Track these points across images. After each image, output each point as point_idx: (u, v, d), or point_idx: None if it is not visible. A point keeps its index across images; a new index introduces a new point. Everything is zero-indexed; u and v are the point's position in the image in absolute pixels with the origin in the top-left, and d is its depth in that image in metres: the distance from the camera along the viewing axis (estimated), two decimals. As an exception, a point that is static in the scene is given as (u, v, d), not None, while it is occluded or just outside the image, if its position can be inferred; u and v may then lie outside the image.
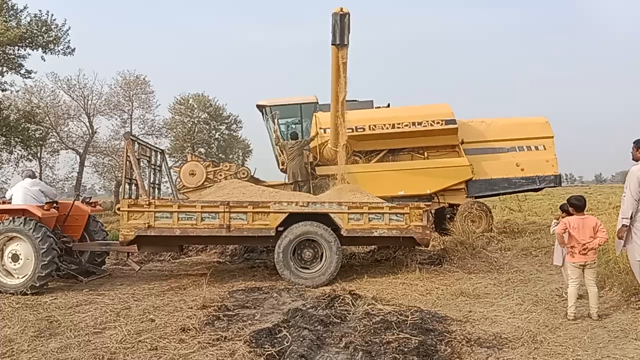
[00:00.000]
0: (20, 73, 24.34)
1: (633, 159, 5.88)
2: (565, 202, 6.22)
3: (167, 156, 11.82)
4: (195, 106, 40.82)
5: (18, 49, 23.83)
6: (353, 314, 5.89)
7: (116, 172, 32.72)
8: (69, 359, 4.54)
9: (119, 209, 7.99)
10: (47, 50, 24.73)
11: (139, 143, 9.42)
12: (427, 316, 5.70)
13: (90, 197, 9.51)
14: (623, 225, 5.73)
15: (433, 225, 11.35)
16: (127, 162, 8.69)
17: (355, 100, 13.12)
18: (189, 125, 39.96)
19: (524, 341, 4.86)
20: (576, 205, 5.83)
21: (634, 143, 5.88)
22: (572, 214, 5.95)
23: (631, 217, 5.68)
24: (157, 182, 10.09)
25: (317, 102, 13.77)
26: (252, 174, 12.59)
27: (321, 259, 8.01)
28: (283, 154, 12.96)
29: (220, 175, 12.24)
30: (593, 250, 5.63)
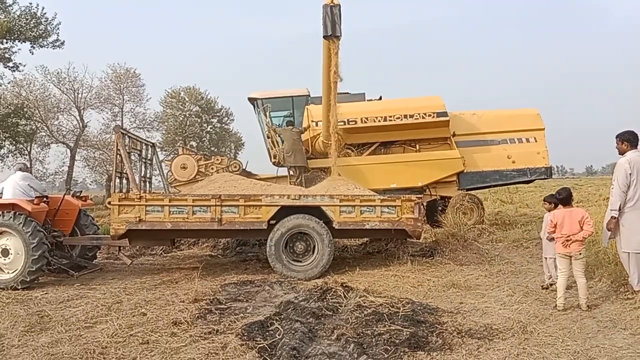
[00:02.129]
0: (8, 66, 24.10)
1: (619, 153, 5.93)
2: (549, 194, 6.29)
3: (158, 149, 11.76)
4: (187, 99, 40.63)
5: (6, 42, 23.56)
6: (345, 306, 5.91)
7: (107, 166, 32.54)
8: (60, 354, 4.52)
9: (109, 202, 7.94)
10: (36, 44, 24.49)
11: (129, 136, 9.36)
12: (419, 308, 5.73)
13: (81, 191, 9.45)
14: (612, 217, 5.78)
15: (425, 218, 11.38)
16: (118, 155, 8.63)
17: (347, 93, 13.10)
18: (181, 119, 39.77)
19: (515, 332, 4.90)
20: (560, 199, 5.89)
21: (617, 137, 5.94)
22: (557, 205, 6.02)
23: (619, 209, 5.73)
24: (148, 175, 10.04)
25: (309, 95, 13.73)
26: (243, 168, 12.56)
27: (313, 252, 8.02)
28: (275, 148, 12.94)
29: (212, 168, 12.21)
30: (577, 242, 5.66)
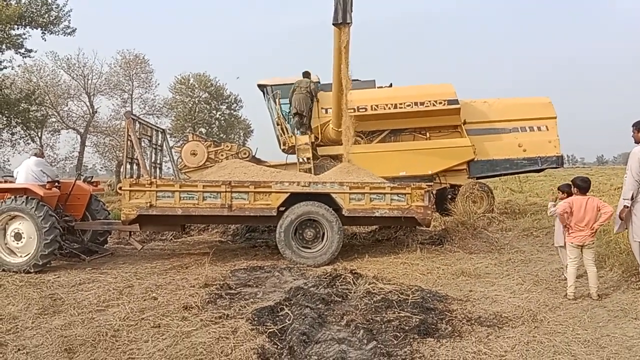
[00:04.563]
0: (20, 52, 24.17)
1: (635, 142, 5.87)
2: (564, 183, 6.23)
3: (168, 136, 11.78)
4: (196, 86, 40.59)
5: (17, 28, 23.59)
6: (354, 292, 5.93)
7: (117, 152, 32.68)
8: (73, 336, 4.58)
9: (120, 188, 7.99)
10: (47, 31, 24.52)
11: (140, 122, 9.39)
12: (428, 295, 5.74)
13: (92, 177, 9.51)
14: (624, 206, 5.74)
15: (434, 206, 11.36)
16: (129, 141, 8.66)
17: (357, 80, 13.02)
18: (190, 105, 39.77)
19: (524, 320, 4.90)
20: (581, 187, 5.84)
21: (633, 126, 5.88)
22: (571, 194, 5.98)
23: (632, 198, 5.68)
24: (158, 161, 10.08)
25: (319, 82, 13.67)
26: (253, 154, 12.57)
27: (322, 239, 8.04)
28: (285, 135, 12.94)
29: (222, 155, 12.22)
30: (592, 230, 5.65)
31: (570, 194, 6.14)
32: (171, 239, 10.80)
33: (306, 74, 12.64)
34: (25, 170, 8.14)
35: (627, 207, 5.71)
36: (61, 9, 24.81)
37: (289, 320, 4.89)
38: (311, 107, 12.46)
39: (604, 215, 5.62)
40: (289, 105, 13.20)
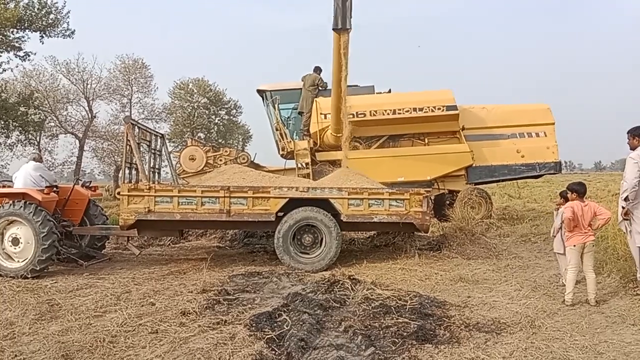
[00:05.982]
0: (18, 55, 24.17)
1: (630, 148, 5.91)
2: (565, 189, 6.26)
3: (167, 141, 11.80)
4: (195, 91, 40.59)
5: (17, 31, 23.60)
6: (352, 298, 5.93)
7: (115, 156, 32.64)
8: (70, 342, 4.56)
9: (119, 193, 7.99)
10: (45, 33, 24.52)
11: (139, 127, 9.38)
12: (426, 301, 5.74)
13: (90, 182, 9.50)
14: (622, 207, 5.78)
15: (432, 212, 11.36)
16: (127, 146, 8.66)
17: (356, 86, 13.07)
18: (189, 110, 39.77)
19: (523, 326, 4.90)
20: (579, 191, 5.88)
21: (628, 132, 5.92)
22: (568, 201, 6.02)
23: (626, 200, 5.71)
24: (157, 166, 10.06)
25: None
26: (252, 160, 12.59)
27: (321, 244, 8.04)
28: (283, 140, 12.98)
29: (220, 160, 12.24)
30: (592, 233, 5.70)
31: (567, 200, 6.17)
32: (169, 245, 10.78)
33: (316, 69, 12.99)
34: (24, 175, 8.13)
35: (624, 207, 5.76)
36: (59, 10, 24.84)
37: (287, 326, 4.88)
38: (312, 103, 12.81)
39: (601, 221, 5.67)
40: (288, 110, 13.28)
